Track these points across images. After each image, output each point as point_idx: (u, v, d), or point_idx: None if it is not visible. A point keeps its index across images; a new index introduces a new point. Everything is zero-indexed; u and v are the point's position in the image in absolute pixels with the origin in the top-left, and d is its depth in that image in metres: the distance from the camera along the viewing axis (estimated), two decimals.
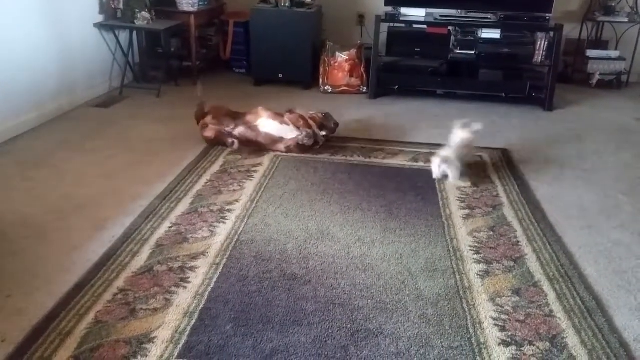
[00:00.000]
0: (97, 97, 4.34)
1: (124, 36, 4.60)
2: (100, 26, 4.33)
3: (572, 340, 1.83)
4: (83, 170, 3.04)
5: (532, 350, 1.78)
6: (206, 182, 2.92)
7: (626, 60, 5.08)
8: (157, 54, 4.90)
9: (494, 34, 4.53)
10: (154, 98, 4.44)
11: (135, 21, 4.37)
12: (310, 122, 3.41)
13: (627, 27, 5.03)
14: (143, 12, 4.37)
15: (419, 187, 2.95)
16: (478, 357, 1.75)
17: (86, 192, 2.79)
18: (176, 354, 1.71)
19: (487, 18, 4.53)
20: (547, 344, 1.81)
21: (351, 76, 4.78)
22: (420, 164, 3.26)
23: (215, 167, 3.11)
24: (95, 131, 3.65)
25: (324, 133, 3.42)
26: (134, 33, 4.69)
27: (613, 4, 4.95)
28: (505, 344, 1.81)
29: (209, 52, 5.25)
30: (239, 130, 3.35)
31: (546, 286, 2.12)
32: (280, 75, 4.82)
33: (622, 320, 1.95)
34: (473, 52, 4.58)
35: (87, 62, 4.22)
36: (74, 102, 4.08)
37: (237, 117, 3.44)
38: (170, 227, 2.46)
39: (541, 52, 4.51)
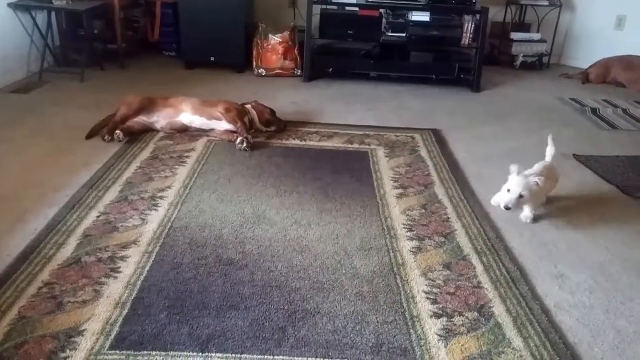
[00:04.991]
0: (13, 82, 4.08)
1: (41, 17, 4.32)
2: (14, 6, 4.05)
3: (498, 308, 1.93)
4: None
5: (462, 321, 1.85)
6: (136, 169, 2.82)
7: (547, 42, 5.34)
8: (79, 36, 4.63)
9: (424, 16, 4.61)
10: (77, 83, 4.22)
11: (54, 1, 4.12)
12: (253, 115, 3.33)
13: (548, 10, 5.28)
14: None
15: (354, 169, 2.98)
16: (411, 330, 1.80)
17: (3, 183, 2.62)
18: (107, 346, 1.66)
19: (417, 1, 4.61)
20: (476, 313, 1.90)
21: (285, 59, 4.74)
22: (355, 145, 3.29)
23: (146, 154, 3.01)
24: (12, 119, 3.42)
25: (271, 129, 3.40)
26: (53, 13, 4.42)
27: None
28: (436, 315, 1.87)
29: (136, 34, 5.04)
30: (161, 124, 3.27)
31: (474, 259, 2.21)
32: (212, 58, 4.71)
33: (544, 287, 2.07)
34: (404, 34, 4.65)
35: (0, 45, 3.95)
36: None
37: (153, 109, 3.27)
38: (98, 217, 2.36)
39: (468, 34, 4.65)
